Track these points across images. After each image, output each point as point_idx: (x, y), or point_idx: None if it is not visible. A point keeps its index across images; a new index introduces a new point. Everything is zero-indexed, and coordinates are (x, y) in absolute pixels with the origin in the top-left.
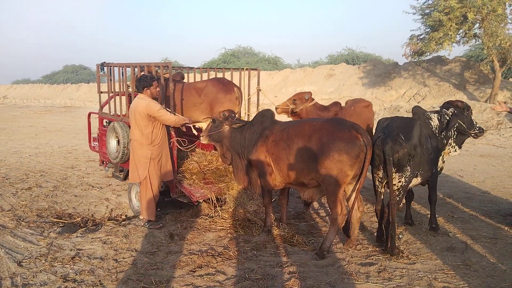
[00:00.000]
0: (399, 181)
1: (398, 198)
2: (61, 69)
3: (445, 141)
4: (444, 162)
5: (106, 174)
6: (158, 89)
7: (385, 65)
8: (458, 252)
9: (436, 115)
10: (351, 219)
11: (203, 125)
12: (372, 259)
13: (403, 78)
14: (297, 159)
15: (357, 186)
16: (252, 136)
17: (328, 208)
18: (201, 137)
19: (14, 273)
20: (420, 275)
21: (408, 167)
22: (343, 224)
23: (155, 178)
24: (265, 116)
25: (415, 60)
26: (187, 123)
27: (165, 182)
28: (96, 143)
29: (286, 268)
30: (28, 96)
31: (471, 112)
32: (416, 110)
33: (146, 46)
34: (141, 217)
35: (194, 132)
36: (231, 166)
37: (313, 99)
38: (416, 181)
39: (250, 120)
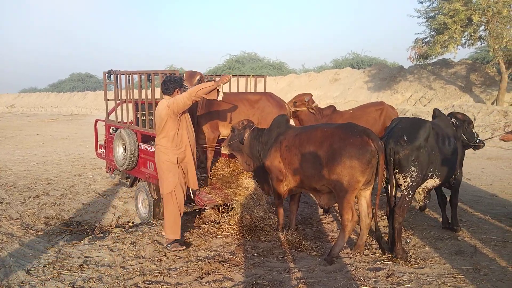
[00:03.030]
0: (405, 181)
1: (407, 199)
2: (67, 77)
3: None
4: None
5: (113, 181)
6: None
7: (390, 68)
8: (467, 256)
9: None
10: (360, 224)
11: None
12: (380, 264)
13: (408, 81)
14: (309, 164)
15: (377, 192)
16: (268, 142)
17: (335, 213)
18: (222, 148)
19: (22, 281)
20: (429, 279)
21: (413, 168)
22: (376, 234)
23: (179, 188)
24: (280, 122)
25: (421, 63)
26: (213, 87)
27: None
28: (102, 150)
29: (293, 274)
30: (35, 105)
31: (473, 125)
32: (438, 112)
33: (150, 54)
34: (163, 233)
35: None
36: (240, 171)
37: (313, 101)
38: (433, 182)
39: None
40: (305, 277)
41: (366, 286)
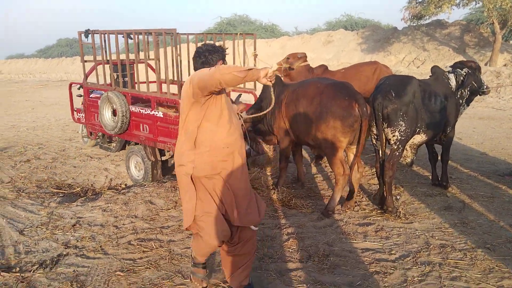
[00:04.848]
0: (393, 135)
1: (397, 153)
2: (55, 42)
3: (460, 101)
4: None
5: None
6: None
7: (384, 30)
8: (455, 211)
9: (452, 75)
10: (351, 179)
11: None
12: (370, 219)
13: (402, 43)
14: (301, 120)
15: (357, 153)
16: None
17: (326, 173)
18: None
19: (16, 241)
20: (417, 233)
21: (402, 122)
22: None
23: (209, 218)
24: (276, 82)
25: (414, 25)
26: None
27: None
28: (81, 115)
29: (284, 229)
30: (23, 71)
31: (481, 72)
32: (435, 69)
33: (139, 16)
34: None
35: None
36: None
37: (306, 60)
38: (420, 138)
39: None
40: (295, 232)
41: (355, 240)
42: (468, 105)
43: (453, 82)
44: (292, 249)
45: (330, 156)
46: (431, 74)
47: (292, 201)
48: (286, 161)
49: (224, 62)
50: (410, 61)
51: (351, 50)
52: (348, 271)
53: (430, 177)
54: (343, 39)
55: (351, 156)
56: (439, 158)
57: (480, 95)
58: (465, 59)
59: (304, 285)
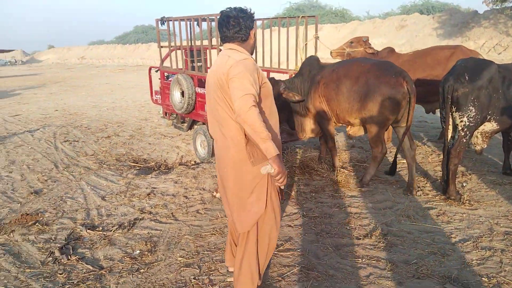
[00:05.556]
0: (461, 121)
1: (464, 140)
2: (131, 29)
3: None
4: None
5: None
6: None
7: (463, 14)
8: None
9: None
10: (406, 159)
11: None
12: (432, 204)
13: (482, 27)
14: (344, 99)
15: (406, 131)
16: (304, 85)
17: (385, 158)
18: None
19: (99, 206)
20: (481, 219)
21: (472, 108)
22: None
23: (275, 218)
24: (312, 64)
25: (498, 7)
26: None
27: None
28: (158, 96)
29: (343, 209)
30: (103, 56)
31: None
32: None
33: (207, 2)
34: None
35: None
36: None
37: (370, 44)
38: (491, 126)
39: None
40: (354, 212)
41: (415, 222)
42: None
43: None
44: (349, 227)
45: (373, 134)
46: None
47: (351, 183)
48: (333, 141)
49: (255, 32)
50: (490, 47)
51: (426, 36)
52: (404, 250)
53: (502, 165)
54: (417, 24)
55: (401, 134)
56: None
57: None
58: None
59: (359, 259)
